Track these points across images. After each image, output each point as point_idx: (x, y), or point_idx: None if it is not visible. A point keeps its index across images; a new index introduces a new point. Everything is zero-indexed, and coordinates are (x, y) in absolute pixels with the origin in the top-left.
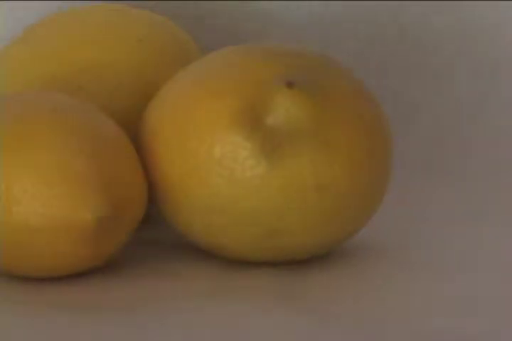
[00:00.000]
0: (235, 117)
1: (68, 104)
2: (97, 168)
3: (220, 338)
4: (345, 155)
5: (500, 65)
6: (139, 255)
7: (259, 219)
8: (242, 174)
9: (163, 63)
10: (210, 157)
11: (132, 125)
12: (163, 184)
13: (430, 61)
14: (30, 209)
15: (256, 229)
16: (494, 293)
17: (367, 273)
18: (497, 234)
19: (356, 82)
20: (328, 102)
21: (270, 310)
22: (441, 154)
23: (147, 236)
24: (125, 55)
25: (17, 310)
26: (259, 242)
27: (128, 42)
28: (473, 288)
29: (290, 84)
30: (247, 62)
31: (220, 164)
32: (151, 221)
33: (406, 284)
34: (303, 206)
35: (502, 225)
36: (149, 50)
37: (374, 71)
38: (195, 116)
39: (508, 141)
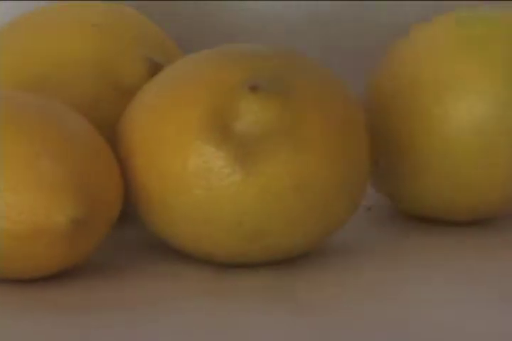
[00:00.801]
0: (204, 127)
1: (39, 105)
2: (64, 169)
3: (219, 338)
4: (319, 153)
5: None
6: (138, 255)
7: (241, 223)
8: (219, 183)
9: (120, 50)
10: (186, 169)
11: (95, 114)
12: (144, 196)
13: None
14: (4, 216)
15: (240, 234)
16: (495, 293)
17: (367, 273)
18: (497, 235)
19: (324, 75)
20: (295, 102)
21: (269, 310)
22: None
23: (146, 237)
24: (81, 42)
25: (17, 310)
26: (245, 245)
27: (83, 28)
28: (473, 288)
29: (254, 88)
30: (211, 70)
31: (196, 175)
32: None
33: (406, 284)
34: (283, 207)
35: (502, 227)
36: (106, 37)
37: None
38: (164, 129)
39: None
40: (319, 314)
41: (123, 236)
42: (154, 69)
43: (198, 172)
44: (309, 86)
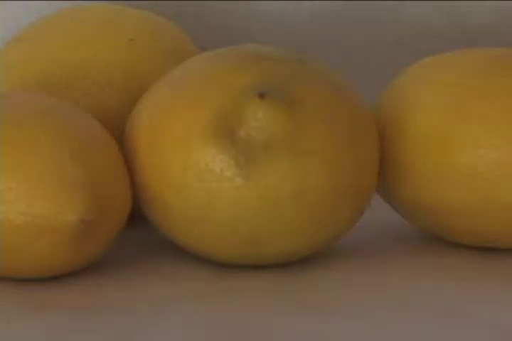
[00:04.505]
0: (209, 129)
1: (54, 105)
2: (83, 170)
3: (219, 338)
4: (321, 164)
5: None
6: (138, 255)
7: (237, 228)
8: (219, 185)
9: (154, 62)
10: (187, 169)
11: (123, 124)
12: (145, 194)
13: None
14: (14, 207)
15: (236, 238)
16: (495, 295)
17: (367, 273)
18: None
19: (334, 83)
20: (301, 112)
21: (270, 310)
22: None
23: (146, 236)
24: (116, 54)
25: (16, 310)
26: (241, 250)
27: (119, 41)
28: (473, 288)
29: (262, 95)
30: (221, 72)
31: (196, 176)
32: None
33: (406, 284)
34: (281, 216)
35: None
36: (140, 49)
37: (374, 71)
38: (171, 129)
39: None
40: (320, 314)
41: (123, 236)
42: None
43: (199, 173)
44: (318, 94)
